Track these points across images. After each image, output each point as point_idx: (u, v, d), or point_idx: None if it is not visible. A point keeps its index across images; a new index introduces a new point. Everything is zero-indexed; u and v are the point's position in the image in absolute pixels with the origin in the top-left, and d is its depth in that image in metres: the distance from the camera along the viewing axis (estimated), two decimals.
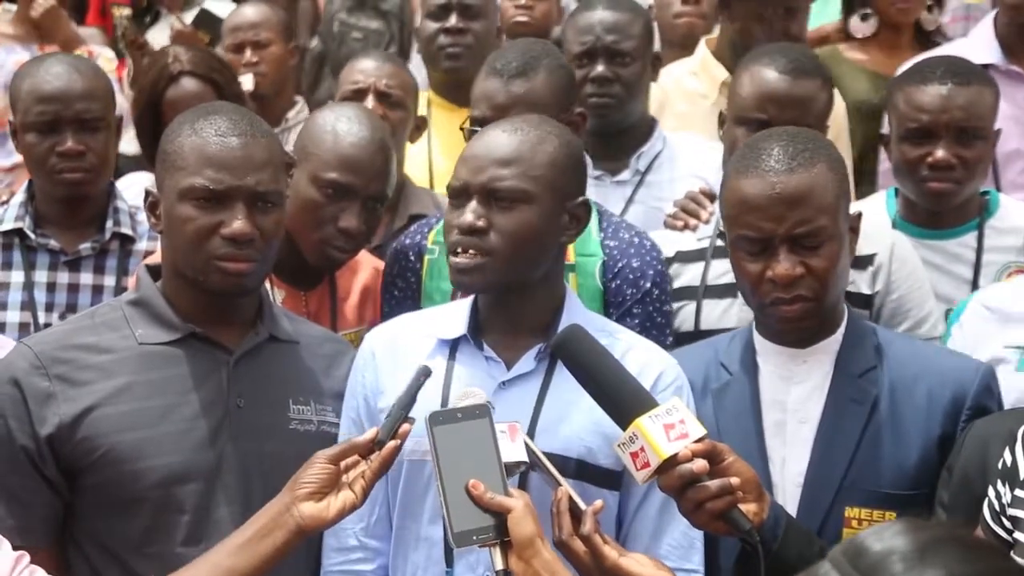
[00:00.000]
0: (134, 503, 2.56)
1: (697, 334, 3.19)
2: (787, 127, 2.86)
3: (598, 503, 2.26)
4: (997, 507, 2.30)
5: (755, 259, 2.61)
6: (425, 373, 2.31)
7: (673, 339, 3.17)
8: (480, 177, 2.59)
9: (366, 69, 4.13)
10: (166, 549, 2.55)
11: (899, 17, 4.88)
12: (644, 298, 3.21)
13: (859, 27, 4.91)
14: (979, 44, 4.31)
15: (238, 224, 2.57)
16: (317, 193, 3.20)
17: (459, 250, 2.59)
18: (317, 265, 3.28)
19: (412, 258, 3.33)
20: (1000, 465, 2.30)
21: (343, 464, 2.29)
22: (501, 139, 2.62)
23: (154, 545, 2.56)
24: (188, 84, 4.02)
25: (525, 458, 2.28)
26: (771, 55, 3.38)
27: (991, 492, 2.31)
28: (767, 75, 3.28)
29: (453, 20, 4.43)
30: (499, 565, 2.15)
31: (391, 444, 2.27)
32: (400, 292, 3.33)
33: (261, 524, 2.25)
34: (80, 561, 2.60)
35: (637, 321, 3.15)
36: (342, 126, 3.24)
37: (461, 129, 3.51)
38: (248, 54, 4.87)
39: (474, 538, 2.16)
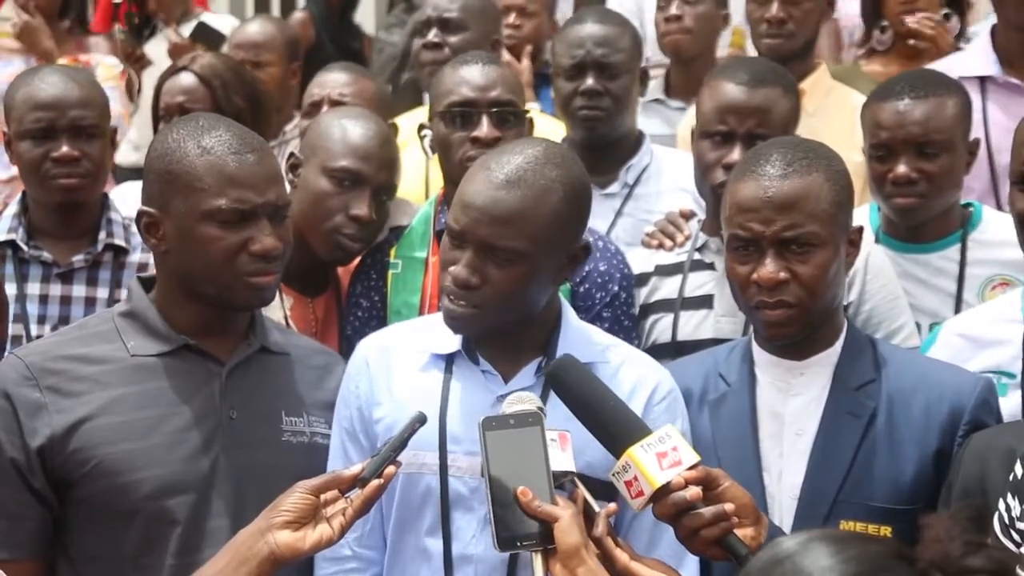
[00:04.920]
0: (126, 515, 2.46)
1: (674, 345, 3.14)
2: (792, 137, 2.81)
3: (612, 506, 2.20)
4: (1007, 520, 2.22)
5: (745, 261, 2.57)
6: (420, 420, 2.23)
7: (649, 350, 3.08)
8: (479, 231, 2.46)
9: (323, 82, 4.12)
10: (159, 561, 2.46)
11: (905, 27, 4.83)
12: (612, 301, 3.18)
13: (880, 40, 4.89)
14: (977, 56, 4.20)
15: (269, 241, 2.49)
16: (328, 183, 3.18)
17: (451, 297, 2.48)
18: (328, 258, 3.24)
19: (375, 276, 3.29)
20: (1010, 478, 2.22)
21: (323, 497, 2.20)
22: (504, 192, 2.45)
23: (147, 557, 2.46)
24: (184, 78, 3.92)
25: (574, 467, 2.22)
26: (731, 68, 3.33)
27: (1000, 505, 2.23)
28: (726, 87, 3.21)
29: (431, 35, 4.34)
30: (540, 572, 2.10)
31: (375, 483, 2.19)
32: (364, 312, 3.28)
33: (234, 553, 2.16)
34: (71, 575, 2.50)
35: (607, 325, 3.08)
36: (349, 120, 3.26)
37: (421, 127, 3.53)
38: None
39: (518, 544, 2.12)
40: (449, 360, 2.56)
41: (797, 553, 1.44)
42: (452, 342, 2.56)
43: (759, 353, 2.65)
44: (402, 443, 2.22)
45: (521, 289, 2.48)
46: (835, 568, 1.42)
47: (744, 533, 2.19)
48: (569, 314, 2.62)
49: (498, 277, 2.45)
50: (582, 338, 2.59)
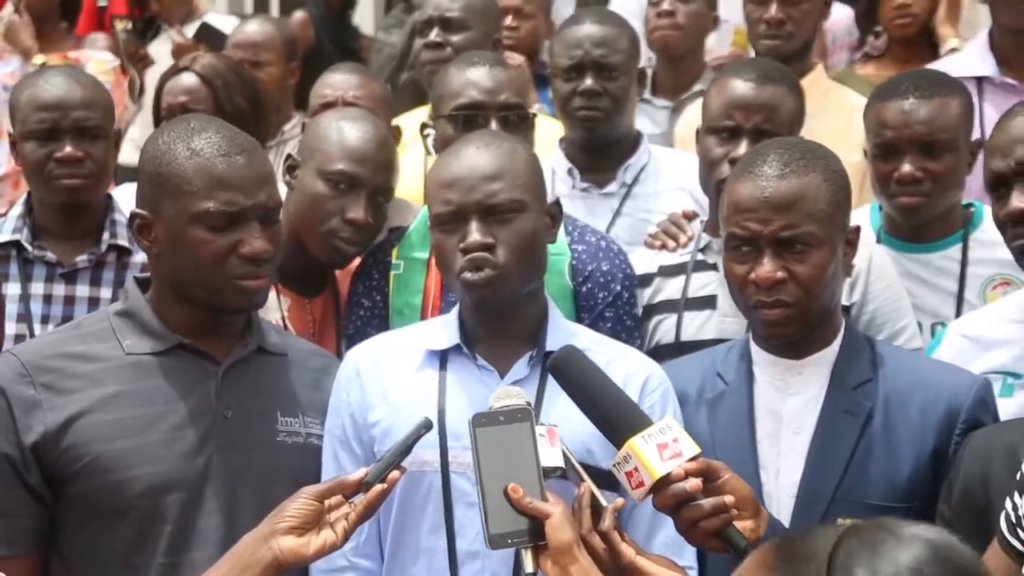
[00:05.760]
0: (119, 513, 2.44)
1: (678, 345, 3.13)
2: (790, 138, 2.80)
3: (619, 501, 2.20)
4: (1014, 519, 2.19)
5: (743, 260, 2.56)
6: (426, 426, 2.22)
7: (653, 351, 3.10)
8: (474, 196, 2.52)
9: (333, 82, 4.09)
10: (148, 560, 2.44)
11: (898, 32, 4.89)
12: (615, 301, 3.17)
13: (875, 45, 4.96)
14: (974, 57, 4.19)
15: (259, 244, 2.46)
16: (324, 186, 3.15)
17: (471, 269, 2.50)
18: (325, 261, 3.22)
19: (377, 276, 3.27)
20: (1018, 476, 2.20)
21: (327, 502, 2.18)
22: (480, 157, 2.56)
23: (137, 555, 2.44)
24: (185, 79, 3.91)
25: (562, 463, 2.21)
26: (738, 66, 3.35)
27: (1008, 504, 2.20)
28: (733, 83, 3.22)
29: (433, 35, 4.33)
30: (530, 568, 2.09)
31: (378, 488, 2.17)
32: (366, 312, 3.26)
33: (238, 559, 2.14)
34: (62, 572, 2.48)
35: (609, 325, 3.10)
36: (347, 123, 3.22)
37: (424, 125, 3.50)
38: None
39: (509, 541, 2.10)
40: (443, 358, 2.57)
41: (885, 542, 1.41)
42: (448, 338, 2.57)
43: (757, 352, 2.64)
44: (406, 448, 2.20)
45: (529, 243, 2.53)
46: (899, 573, 1.39)
47: (744, 525, 2.19)
48: (555, 309, 2.65)
49: (506, 235, 2.51)
50: (570, 332, 2.61)
